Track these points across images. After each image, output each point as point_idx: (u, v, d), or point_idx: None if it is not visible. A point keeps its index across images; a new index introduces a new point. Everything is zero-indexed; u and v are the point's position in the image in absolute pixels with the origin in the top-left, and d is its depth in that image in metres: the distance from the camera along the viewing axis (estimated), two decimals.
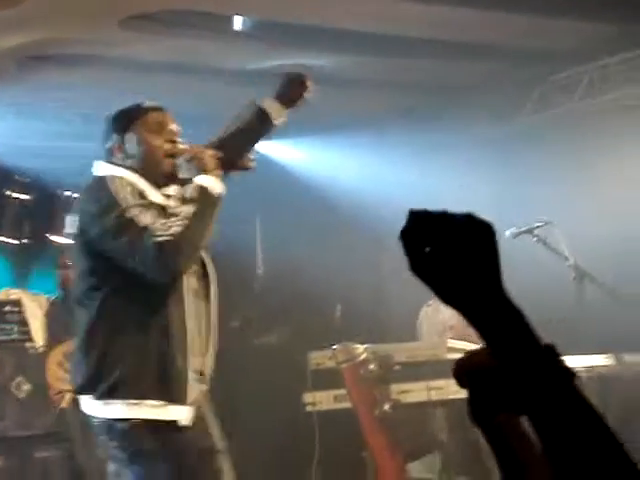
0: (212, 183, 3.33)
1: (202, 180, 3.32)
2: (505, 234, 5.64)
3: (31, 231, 8.51)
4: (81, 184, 8.60)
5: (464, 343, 6.38)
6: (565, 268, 5.63)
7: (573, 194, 7.29)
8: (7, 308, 7.46)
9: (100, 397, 3.28)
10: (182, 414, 3.33)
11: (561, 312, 6.49)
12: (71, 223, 3.42)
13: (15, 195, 8.37)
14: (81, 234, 3.34)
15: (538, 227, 5.71)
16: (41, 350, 7.36)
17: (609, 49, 7.44)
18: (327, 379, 6.11)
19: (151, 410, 3.25)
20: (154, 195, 3.36)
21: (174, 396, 3.29)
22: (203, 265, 3.56)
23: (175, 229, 3.17)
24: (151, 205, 3.28)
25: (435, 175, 8.18)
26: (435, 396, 5.80)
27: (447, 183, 8.01)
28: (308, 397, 6.16)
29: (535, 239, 5.70)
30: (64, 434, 7.21)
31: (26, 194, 8.44)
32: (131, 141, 3.45)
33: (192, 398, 3.36)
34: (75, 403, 6.89)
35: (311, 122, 8.70)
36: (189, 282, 3.42)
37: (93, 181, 3.43)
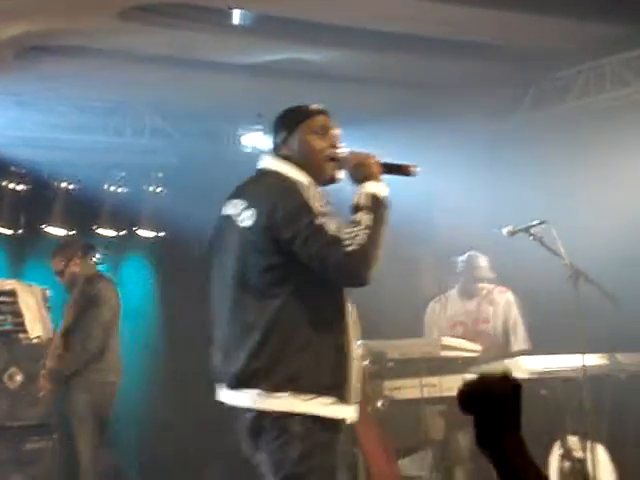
0: (381, 189, 3.43)
1: (373, 188, 3.41)
2: (502, 231, 5.65)
3: (26, 222, 8.49)
4: (77, 175, 8.60)
5: (459, 341, 6.39)
6: (560, 267, 5.64)
7: (568, 194, 7.29)
8: (1, 299, 7.44)
9: (272, 390, 3.34)
10: (349, 413, 3.47)
11: (556, 310, 6.51)
12: (240, 212, 3.48)
13: (11, 185, 8.35)
14: (267, 230, 3.37)
15: (534, 226, 5.72)
16: (35, 341, 7.34)
17: (604, 50, 7.45)
18: None
19: (322, 407, 3.36)
20: (321, 200, 3.42)
21: (344, 395, 3.42)
22: None
23: (361, 239, 3.26)
24: (330, 212, 3.37)
25: (431, 172, 8.14)
26: (428, 393, 5.80)
27: (443, 181, 8.00)
28: None
29: (531, 237, 5.71)
30: (56, 425, 7.20)
31: (22, 185, 8.41)
32: (295, 141, 3.55)
33: (354, 399, 3.51)
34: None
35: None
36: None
37: (273, 176, 3.50)
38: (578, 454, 6.18)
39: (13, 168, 8.34)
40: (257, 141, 9.08)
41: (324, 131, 3.58)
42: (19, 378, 7.24)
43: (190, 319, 8.71)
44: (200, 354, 8.69)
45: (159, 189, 8.89)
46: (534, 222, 5.73)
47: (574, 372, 5.85)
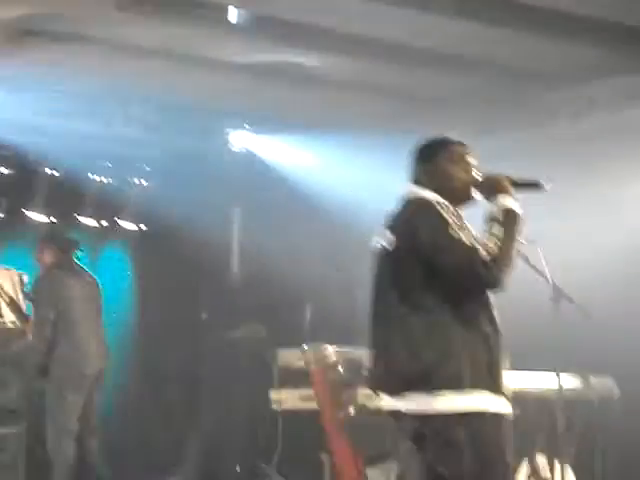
0: (514, 205, 3.80)
1: (507, 202, 3.79)
2: None
3: (8, 206, 8.44)
4: (62, 162, 8.59)
5: None
6: (544, 287, 5.65)
7: (554, 215, 7.31)
8: None
9: (432, 390, 3.62)
10: (506, 407, 3.78)
11: (536, 329, 6.52)
12: (382, 236, 3.88)
13: None
14: (411, 248, 3.73)
15: (522, 244, 5.72)
16: (10, 325, 7.31)
17: (596, 73, 7.49)
18: (294, 378, 6.11)
19: (482, 401, 3.67)
20: (460, 219, 3.81)
21: (498, 389, 3.73)
22: None
23: (493, 249, 3.67)
24: (465, 227, 3.76)
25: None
26: None
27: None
28: (274, 395, 6.15)
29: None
30: (24, 411, 7.17)
31: (6, 168, 8.37)
32: (436, 170, 3.91)
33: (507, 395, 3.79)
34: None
35: (298, 119, 8.71)
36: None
37: (412, 201, 3.86)
38: (545, 474, 6.19)
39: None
40: (245, 140, 9.07)
41: (462, 159, 3.92)
42: None
43: (166, 313, 8.73)
44: (173, 350, 8.76)
45: (144, 181, 8.87)
46: (522, 241, 5.74)
47: (547, 391, 5.86)
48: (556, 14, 6.59)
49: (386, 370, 3.80)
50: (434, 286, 3.70)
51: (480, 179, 3.88)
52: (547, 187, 3.94)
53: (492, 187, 3.82)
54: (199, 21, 6.80)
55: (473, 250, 3.63)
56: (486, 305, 3.80)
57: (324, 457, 6.08)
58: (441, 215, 3.71)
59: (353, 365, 5.95)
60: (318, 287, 8.23)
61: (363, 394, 5.91)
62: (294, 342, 6.22)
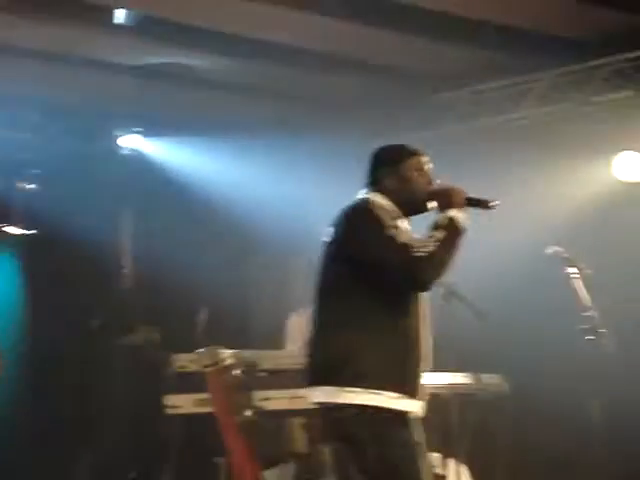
0: (460, 216, 3.80)
1: (453, 212, 3.79)
2: None
3: None
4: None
5: None
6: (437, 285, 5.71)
7: None
8: None
9: (341, 384, 3.68)
10: (415, 407, 3.77)
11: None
12: (327, 233, 3.91)
13: None
14: (341, 242, 3.81)
15: None
16: None
17: (484, 75, 7.62)
18: (189, 382, 6.06)
19: (389, 400, 3.67)
20: (402, 221, 3.86)
21: (412, 390, 3.74)
22: None
23: (430, 248, 3.65)
24: (402, 228, 3.78)
25: (308, 186, 8.20)
26: (297, 405, 5.80)
27: (319, 194, 8.04)
28: (169, 400, 6.09)
29: None
30: None
31: None
32: (398, 176, 3.95)
33: (421, 395, 3.81)
34: None
35: (190, 122, 8.66)
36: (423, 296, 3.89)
37: (356, 201, 3.91)
38: (439, 471, 6.26)
39: None
40: (134, 143, 8.98)
41: (424, 170, 3.99)
42: None
43: (57, 320, 8.57)
44: (65, 359, 8.61)
45: (32, 186, 8.70)
46: None
47: (439, 389, 5.92)
48: (445, 17, 6.69)
49: (308, 362, 3.88)
50: (361, 283, 3.74)
51: (437, 189, 3.94)
52: (494, 207, 3.97)
53: (447, 198, 3.85)
54: (84, 22, 6.70)
55: (406, 246, 3.65)
56: (414, 307, 3.82)
57: (220, 461, 6.05)
58: (377, 215, 3.75)
59: (249, 367, 5.93)
60: (213, 290, 8.18)
61: (259, 396, 5.90)
62: (189, 346, 6.17)
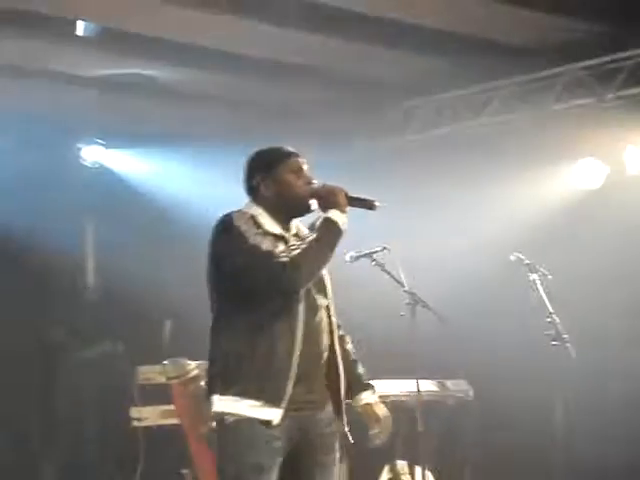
0: (339, 217, 3.73)
1: (331, 213, 3.73)
2: (345, 257, 5.72)
3: None
4: None
5: None
6: (401, 293, 5.73)
7: (410, 222, 7.43)
8: None
9: (214, 392, 3.67)
10: (275, 415, 3.61)
11: (394, 335, 6.61)
12: None
13: None
14: (209, 254, 3.77)
15: (376, 252, 5.79)
16: None
17: (442, 84, 7.67)
18: (154, 394, 6.05)
19: (249, 408, 3.59)
20: (273, 227, 3.77)
21: (270, 398, 3.62)
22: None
23: (296, 252, 3.63)
24: (267, 234, 3.71)
25: None
26: None
27: None
28: (135, 412, 6.07)
29: (373, 263, 5.78)
30: None
31: None
32: (274, 181, 3.85)
33: (289, 402, 3.64)
34: None
35: (151, 133, 8.65)
36: (309, 298, 3.76)
37: (221, 218, 3.79)
38: (406, 478, 6.28)
39: None
40: (97, 155, 8.95)
41: (300, 170, 3.87)
42: None
43: (15, 334, 8.50)
44: (24, 374, 8.52)
45: None
46: (376, 248, 5.81)
47: (406, 397, 5.93)
48: (407, 27, 6.73)
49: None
50: (230, 294, 3.72)
51: (318, 189, 3.84)
52: (378, 207, 3.90)
53: (329, 199, 3.78)
54: (45, 34, 6.69)
55: (269, 252, 3.61)
56: (288, 313, 3.70)
57: (186, 472, 6.03)
58: (237, 227, 3.69)
59: None
60: (177, 302, 8.16)
61: None
62: (153, 358, 6.15)
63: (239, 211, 3.79)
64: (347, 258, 5.74)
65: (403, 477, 6.33)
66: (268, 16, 6.50)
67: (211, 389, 3.69)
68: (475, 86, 7.64)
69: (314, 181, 3.86)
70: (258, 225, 3.74)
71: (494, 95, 7.61)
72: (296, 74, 7.61)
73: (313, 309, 3.77)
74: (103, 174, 9.03)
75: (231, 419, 3.61)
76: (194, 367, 5.78)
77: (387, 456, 6.38)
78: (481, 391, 6.65)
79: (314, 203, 3.83)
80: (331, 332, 3.82)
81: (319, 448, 3.72)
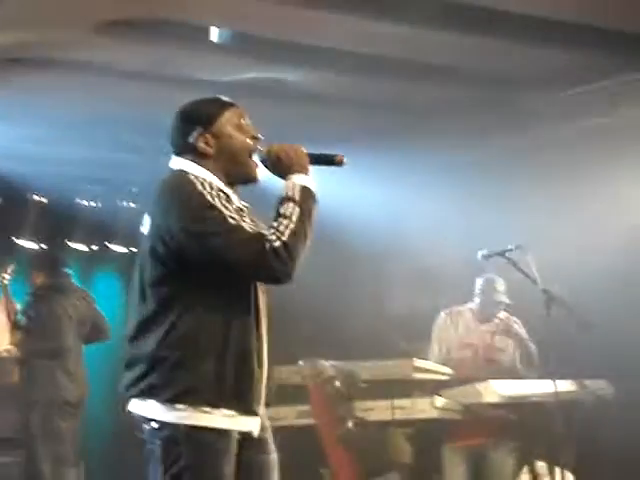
0: (310, 182, 3.17)
1: (302, 180, 3.15)
2: (477, 255, 5.68)
3: None
4: (50, 188, 8.62)
5: (431, 363, 6.38)
6: (534, 292, 5.66)
7: (546, 220, 7.33)
8: None
9: (167, 401, 3.08)
10: (254, 425, 3.26)
11: (530, 334, 6.54)
12: (145, 223, 3.22)
13: None
14: (162, 235, 3.09)
15: (510, 250, 5.73)
16: (4, 354, 7.31)
17: (575, 78, 7.51)
18: (291, 394, 6.11)
19: (223, 419, 3.11)
20: (233, 197, 3.20)
21: (247, 407, 3.20)
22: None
23: (287, 234, 3.01)
24: (239, 210, 3.15)
25: (404, 197, 8.19)
26: (399, 415, 5.80)
27: (416, 206, 8.03)
28: (271, 412, 6.13)
29: (506, 262, 5.72)
30: (22, 440, 7.15)
31: None
32: (213, 137, 3.24)
33: (260, 410, 3.28)
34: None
35: (281, 136, 8.71)
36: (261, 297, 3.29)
37: (172, 176, 3.23)
38: None
39: None
40: None
41: (243, 123, 3.28)
42: None
43: None
44: None
45: (132, 204, 8.85)
46: (510, 246, 5.74)
47: (544, 397, 5.86)
48: (553, 23, 6.59)
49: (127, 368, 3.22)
50: (184, 284, 3.08)
51: (269, 147, 3.23)
52: (344, 163, 3.32)
53: (285, 162, 3.17)
54: (180, 42, 6.80)
55: (258, 235, 3.00)
56: (247, 308, 3.17)
57: (324, 472, 6.07)
58: (204, 196, 3.04)
59: (349, 379, 5.96)
60: (312, 302, 8.22)
61: (361, 407, 5.92)
62: (290, 358, 6.22)
63: (190, 174, 3.15)
64: (479, 256, 5.70)
65: (543, 478, 6.25)
66: (399, 17, 6.47)
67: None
68: (609, 80, 7.47)
69: (259, 135, 3.29)
70: (226, 196, 3.14)
71: (629, 89, 7.44)
72: (428, 73, 7.55)
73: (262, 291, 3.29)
74: None
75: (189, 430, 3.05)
76: (329, 368, 5.82)
77: (527, 457, 6.31)
78: (622, 391, 6.53)
79: (263, 170, 3.24)
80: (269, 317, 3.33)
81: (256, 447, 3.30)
